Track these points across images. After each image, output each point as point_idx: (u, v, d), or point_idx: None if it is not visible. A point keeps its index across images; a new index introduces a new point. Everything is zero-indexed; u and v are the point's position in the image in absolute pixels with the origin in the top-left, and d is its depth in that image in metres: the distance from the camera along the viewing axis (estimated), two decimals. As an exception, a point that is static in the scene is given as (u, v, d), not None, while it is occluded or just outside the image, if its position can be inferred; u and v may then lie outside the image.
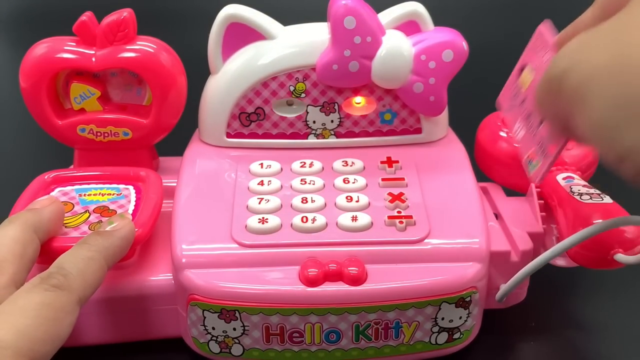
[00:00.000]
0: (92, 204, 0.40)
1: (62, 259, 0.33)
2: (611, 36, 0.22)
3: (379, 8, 0.42)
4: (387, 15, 0.42)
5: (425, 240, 0.37)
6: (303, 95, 0.43)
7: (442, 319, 0.36)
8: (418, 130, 0.44)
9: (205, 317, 0.36)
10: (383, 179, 0.41)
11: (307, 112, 0.44)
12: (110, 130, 0.44)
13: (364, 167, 0.43)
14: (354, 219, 0.38)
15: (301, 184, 0.41)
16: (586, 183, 0.41)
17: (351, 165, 0.43)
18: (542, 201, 0.42)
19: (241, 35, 0.43)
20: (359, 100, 0.43)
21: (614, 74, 0.22)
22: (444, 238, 0.37)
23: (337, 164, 0.43)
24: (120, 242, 0.35)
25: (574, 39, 0.24)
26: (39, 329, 0.29)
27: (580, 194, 0.39)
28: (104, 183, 0.42)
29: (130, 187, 0.42)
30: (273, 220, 0.38)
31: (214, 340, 0.37)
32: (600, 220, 0.35)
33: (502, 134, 0.44)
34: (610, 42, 0.22)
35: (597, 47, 0.23)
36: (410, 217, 0.38)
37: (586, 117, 0.23)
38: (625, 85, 0.21)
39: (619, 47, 0.21)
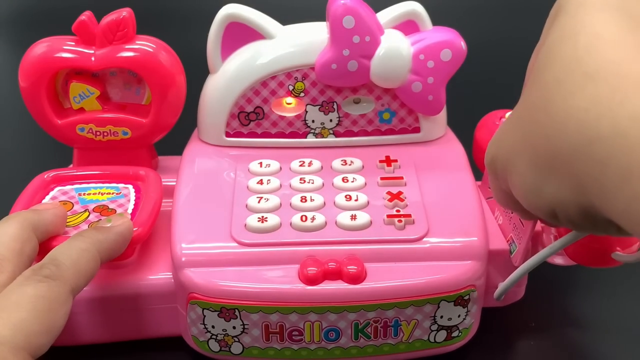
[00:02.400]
0: (92, 203, 0.40)
1: (55, 251, 0.33)
2: (518, 118, 0.27)
3: (377, 7, 0.42)
4: (386, 15, 0.43)
5: (424, 239, 0.37)
6: (302, 94, 0.43)
7: (441, 317, 0.37)
8: (416, 130, 0.45)
9: (204, 316, 0.36)
10: (382, 178, 0.41)
11: (306, 112, 0.44)
12: (110, 130, 0.44)
13: (363, 166, 0.43)
14: (353, 217, 0.38)
15: (300, 183, 0.41)
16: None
17: (350, 164, 0.43)
18: (540, 200, 0.42)
19: (240, 34, 0.43)
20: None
21: (526, 145, 0.26)
22: (442, 236, 0.38)
23: (336, 163, 0.43)
24: (115, 237, 0.35)
25: (497, 130, 0.30)
26: (34, 322, 0.29)
27: (578, 193, 0.39)
28: (103, 182, 0.42)
29: (130, 187, 0.42)
30: (272, 219, 0.38)
31: (213, 338, 0.37)
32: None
33: (500, 133, 0.44)
34: (519, 123, 0.27)
35: (509, 130, 0.28)
36: (409, 215, 0.38)
37: (514, 186, 0.28)
38: (535, 148, 0.26)
39: (525, 123, 0.26)
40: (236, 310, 0.35)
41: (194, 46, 0.48)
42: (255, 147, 0.44)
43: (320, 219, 0.38)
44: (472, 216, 0.39)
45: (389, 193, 0.40)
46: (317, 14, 0.44)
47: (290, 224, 0.38)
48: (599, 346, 0.40)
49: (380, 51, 0.41)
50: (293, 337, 0.36)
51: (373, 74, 0.42)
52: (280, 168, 0.43)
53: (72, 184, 0.42)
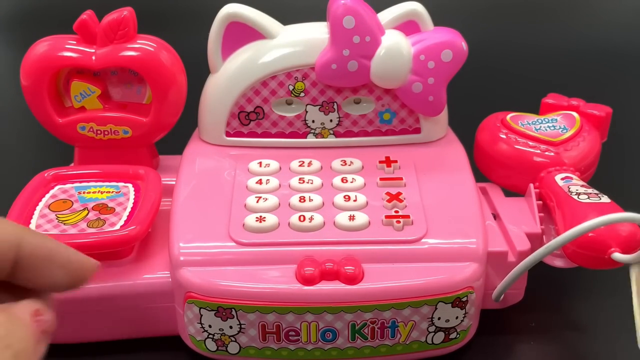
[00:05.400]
0: (91, 202, 0.40)
1: None
2: None
3: (378, 8, 0.42)
4: (387, 15, 0.42)
5: (422, 240, 0.37)
6: (302, 94, 0.43)
7: (439, 318, 0.36)
8: (417, 130, 0.44)
9: (202, 315, 0.36)
10: (381, 179, 0.41)
11: (306, 112, 0.44)
12: (110, 129, 0.44)
13: (363, 167, 0.43)
14: (352, 218, 0.38)
15: (299, 183, 0.41)
16: (584, 183, 0.41)
17: (350, 165, 0.43)
18: (541, 202, 0.41)
19: (241, 34, 0.43)
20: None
21: None
22: (441, 238, 0.37)
23: (336, 164, 0.43)
24: None
25: None
26: None
27: (578, 194, 0.39)
28: (103, 181, 0.42)
29: (130, 185, 0.42)
30: (270, 219, 0.38)
31: (210, 338, 0.37)
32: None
33: (502, 135, 0.44)
34: None
35: None
36: (408, 216, 0.38)
37: None
38: None
39: None
40: (233, 309, 0.35)
41: (194, 46, 0.48)
42: (255, 147, 0.44)
43: (318, 219, 0.38)
44: (471, 218, 0.39)
45: (388, 194, 0.40)
46: (317, 14, 0.44)
47: (289, 224, 0.38)
48: (599, 349, 0.40)
49: (380, 51, 0.41)
50: (290, 337, 0.36)
51: (373, 74, 0.42)
52: (280, 168, 0.43)
53: (72, 183, 0.42)
